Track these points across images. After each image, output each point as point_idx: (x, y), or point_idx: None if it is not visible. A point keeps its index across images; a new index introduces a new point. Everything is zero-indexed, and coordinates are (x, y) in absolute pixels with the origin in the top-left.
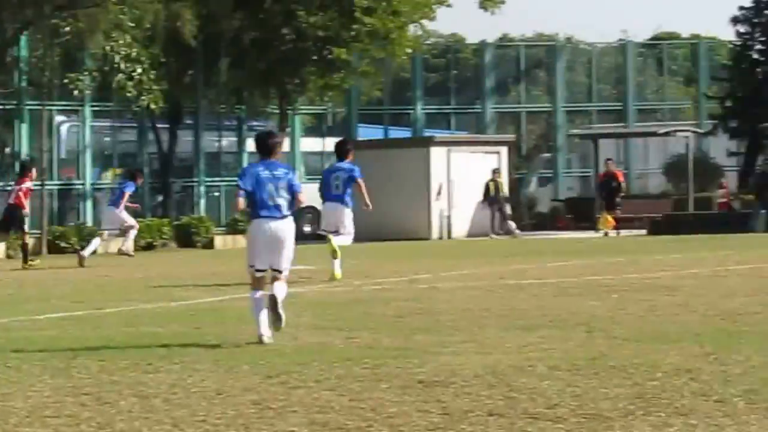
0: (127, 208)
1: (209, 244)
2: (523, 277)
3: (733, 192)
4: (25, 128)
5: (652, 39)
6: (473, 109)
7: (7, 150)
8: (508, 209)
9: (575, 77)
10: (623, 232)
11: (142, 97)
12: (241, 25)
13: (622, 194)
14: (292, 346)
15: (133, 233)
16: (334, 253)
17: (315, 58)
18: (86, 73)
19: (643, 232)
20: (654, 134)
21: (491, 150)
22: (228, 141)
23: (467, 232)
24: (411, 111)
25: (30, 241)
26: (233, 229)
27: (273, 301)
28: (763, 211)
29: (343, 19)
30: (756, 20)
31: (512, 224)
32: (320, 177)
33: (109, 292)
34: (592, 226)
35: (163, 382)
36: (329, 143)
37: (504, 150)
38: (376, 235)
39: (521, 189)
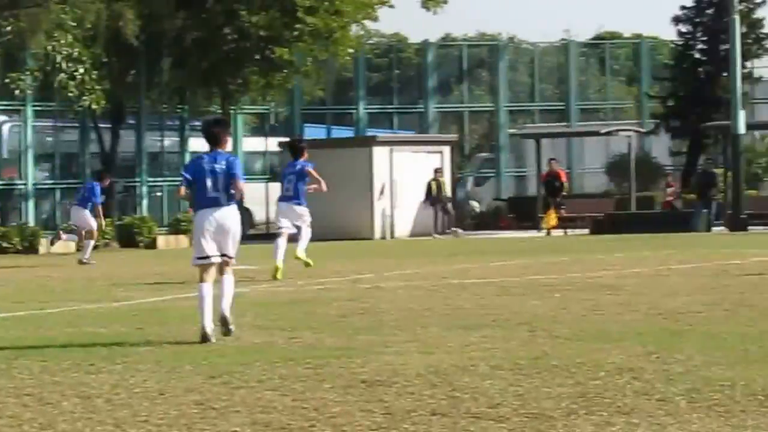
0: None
1: (152, 245)
2: (466, 276)
3: (675, 191)
4: None
5: (595, 38)
6: (416, 108)
7: None
8: (450, 209)
9: (518, 77)
10: (561, 232)
11: (84, 97)
12: (183, 24)
13: (564, 194)
14: (235, 346)
15: (91, 243)
16: (306, 265)
17: (257, 57)
18: (28, 72)
19: (586, 231)
20: (596, 134)
21: (434, 150)
22: (170, 141)
23: (410, 232)
24: (354, 111)
25: None
26: (176, 229)
27: (223, 320)
28: (704, 211)
29: (285, 19)
30: (697, 20)
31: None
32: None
33: (51, 293)
34: (535, 225)
35: (105, 382)
36: (272, 143)
37: (447, 150)
38: (318, 234)
39: (458, 189)
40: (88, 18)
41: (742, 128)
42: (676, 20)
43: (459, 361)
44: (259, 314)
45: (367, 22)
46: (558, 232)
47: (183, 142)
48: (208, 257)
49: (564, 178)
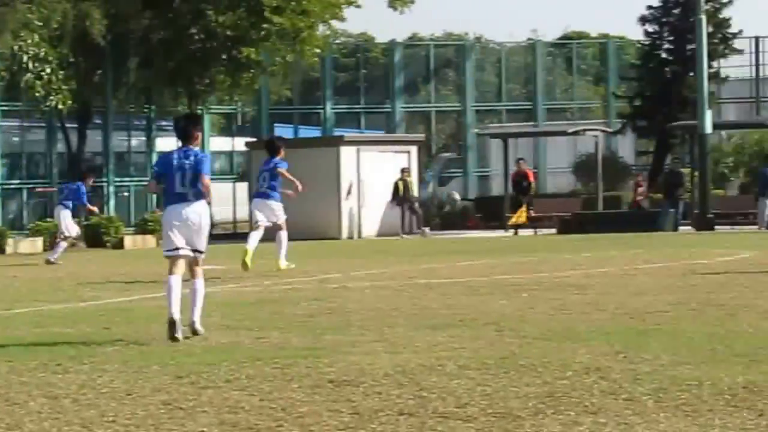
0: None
1: (119, 244)
2: (433, 276)
3: (645, 191)
4: None
5: (561, 38)
6: (383, 108)
7: None
8: (417, 208)
9: (485, 77)
10: (532, 231)
11: (51, 97)
12: (150, 24)
13: (531, 194)
14: (202, 346)
15: (64, 246)
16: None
17: (224, 57)
18: None
19: (553, 231)
20: (563, 133)
21: (401, 149)
22: (137, 141)
23: (377, 232)
24: (321, 110)
25: None
26: (143, 229)
27: (193, 330)
28: (671, 210)
29: (252, 19)
30: (664, 20)
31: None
32: (230, 177)
33: (18, 293)
34: (502, 225)
35: (72, 382)
36: (239, 143)
37: (414, 149)
38: None
39: (421, 189)
40: (55, 18)
41: (708, 128)
42: (643, 20)
43: (426, 361)
44: (226, 314)
45: (334, 22)
46: (526, 232)
47: (150, 142)
48: (177, 249)
49: (532, 178)
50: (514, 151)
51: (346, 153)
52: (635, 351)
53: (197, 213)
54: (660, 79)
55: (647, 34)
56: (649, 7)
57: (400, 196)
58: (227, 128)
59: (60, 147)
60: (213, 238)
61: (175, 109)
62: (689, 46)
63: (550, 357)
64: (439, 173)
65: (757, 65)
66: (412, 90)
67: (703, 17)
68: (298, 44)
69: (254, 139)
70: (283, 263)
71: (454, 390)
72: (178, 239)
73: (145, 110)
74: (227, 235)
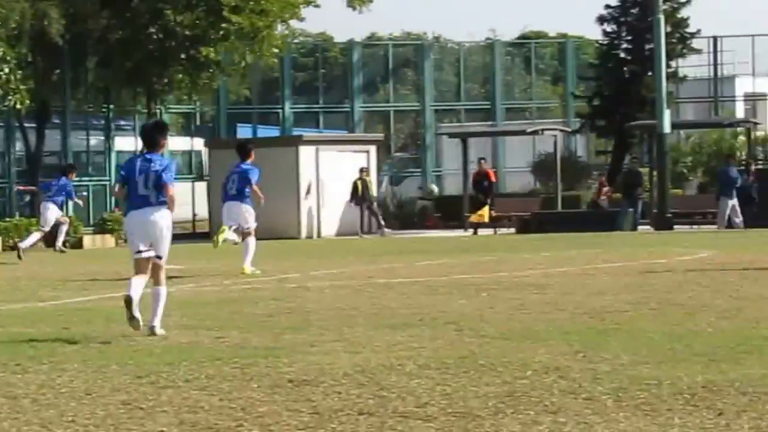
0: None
1: (78, 244)
2: (392, 275)
3: (608, 191)
4: None
5: (520, 38)
6: (342, 108)
7: None
8: (376, 208)
9: (443, 76)
10: (491, 231)
11: (9, 97)
12: (108, 23)
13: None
14: (162, 346)
15: (36, 237)
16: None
17: (183, 57)
18: None
19: (512, 230)
20: (522, 133)
21: (360, 149)
22: (96, 140)
23: (336, 231)
24: (279, 110)
25: None
26: (102, 228)
27: (152, 332)
28: (630, 210)
29: (211, 18)
30: (622, 19)
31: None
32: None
33: None
34: (461, 224)
35: (31, 382)
36: (197, 143)
37: (373, 149)
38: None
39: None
40: (13, 17)
41: (667, 127)
42: (601, 20)
43: (386, 361)
44: (185, 314)
45: (293, 22)
46: (486, 231)
47: (108, 142)
48: (140, 252)
49: (493, 178)
50: (473, 151)
51: (305, 152)
52: (595, 350)
53: (157, 218)
54: (618, 79)
55: (605, 33)
56: (608, 7)
57: (359, 196)
58: (186, 128)
59: (18, 147)
60: (172, 237)
61: (133, 108)
62: (647, 46)
63: (509, 356)
64: (394, 172)
65: (715, 65)
66: (371, 89)
67: (661, 17)
68: (257, 44)
69: (211, 140)
70: (249, 268)
71: (413, 389)
72: (142, 242)
73: (104, 110)
74: (186, 234)
